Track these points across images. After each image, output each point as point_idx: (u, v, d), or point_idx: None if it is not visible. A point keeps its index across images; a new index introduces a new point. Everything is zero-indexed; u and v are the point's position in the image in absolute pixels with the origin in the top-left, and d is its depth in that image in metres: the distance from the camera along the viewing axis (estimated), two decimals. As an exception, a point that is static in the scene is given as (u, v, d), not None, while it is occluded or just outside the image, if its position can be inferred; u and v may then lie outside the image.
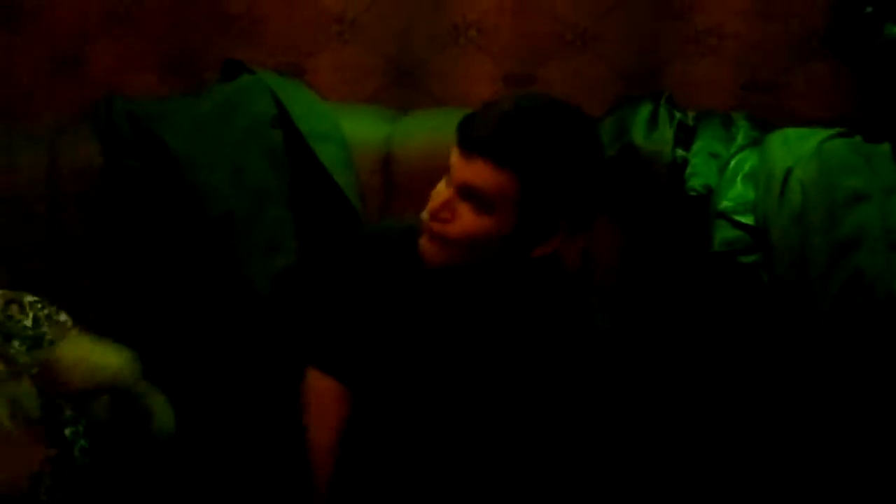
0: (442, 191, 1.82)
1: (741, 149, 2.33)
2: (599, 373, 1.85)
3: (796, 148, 2.25)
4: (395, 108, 2.60)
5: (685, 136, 2.36)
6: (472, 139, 1.78)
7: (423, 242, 1.84)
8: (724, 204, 2.25)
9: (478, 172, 1.76)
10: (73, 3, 2.69)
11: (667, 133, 2.35)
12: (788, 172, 2.21)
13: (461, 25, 2.65)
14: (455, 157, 1.80)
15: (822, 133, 2.29)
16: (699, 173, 2.30)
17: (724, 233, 2.23)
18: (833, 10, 2.47)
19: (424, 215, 1.84)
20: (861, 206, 2.13)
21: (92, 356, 1.87)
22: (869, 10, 2.39)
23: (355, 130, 2.50)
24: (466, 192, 1.78)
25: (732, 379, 2.23)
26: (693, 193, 2.28)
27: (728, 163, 2.31)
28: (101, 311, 2.32)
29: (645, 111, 2.38)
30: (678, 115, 2.39)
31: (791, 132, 2.31)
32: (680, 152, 2.34)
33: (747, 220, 2.22)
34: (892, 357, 2.04)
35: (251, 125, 2.43)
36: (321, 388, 1.98)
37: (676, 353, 2.28)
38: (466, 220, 1.79)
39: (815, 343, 2.11)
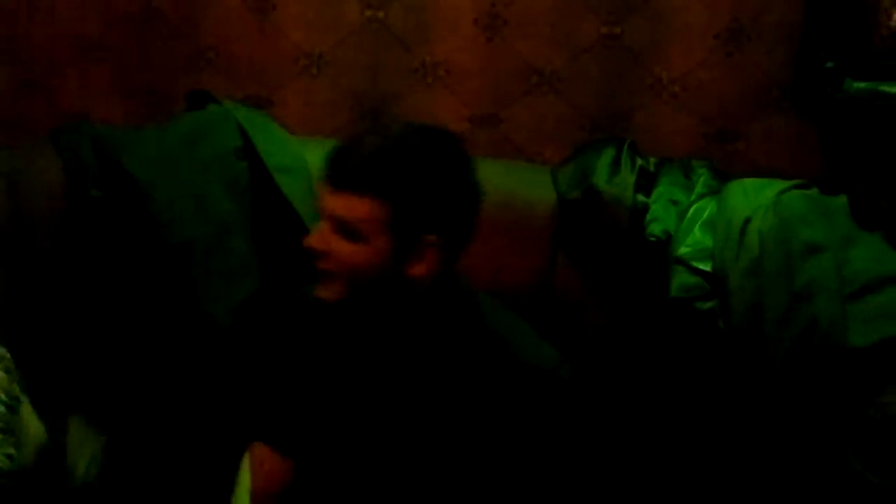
0: (316, 227, 1.87)
1: (700, 196, 2.36)
2: (511, 386, 1.87)
3: (754, 198, 2.28)
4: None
5: (646, 182, 2.39)
6: (332, 175, 1.83)
7: (317, 285, 1.88)
8: (683, 250, 2.28)
9: (344, 204, 1.81)
10: (44, 30, 2.70)
11: (628, 178, 2.37)
12: (746, 222, 2.24)
13: (429, 64, 2.68)
14: (323, 193, 1.85)
15: (779, 184, 2.32)
16: (659, 219, 2.33)
17: (681, 278, 2.25)
18: (794, 64, 2.51)
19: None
20: (816, 257, 2.16)
21: None
22: (830, 64, 2.43)
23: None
24: (338, 225, 1.83)
25: (685, 422, 2.25)
26: (652, 239, 2.31)
27: (687, 210, 2.33)
28: (52, 342, 2.30)
29: (608, 156, 2.41)
30: (640, 161, 2.42)
31: (749, 182, 2.34)
32: (641, 197, 2.36)
33: (705, 266, 2.25)
34: (842, 407, 2.06)
35: (215, 156, 2.43)
36: (263, 456, 2.00)
37: (633, 395, 2.30)
38: (343, 251, 1.83)
39: (768, 390, 2.13)
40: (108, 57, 2.71)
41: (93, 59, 2.71)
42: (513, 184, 2.46)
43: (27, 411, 1.98)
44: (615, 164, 2.40)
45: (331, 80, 2.70)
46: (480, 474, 1.87)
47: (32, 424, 1.98)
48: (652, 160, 2.45)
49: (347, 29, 2.68)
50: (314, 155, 2.51)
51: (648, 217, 2.34)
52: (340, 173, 1.83)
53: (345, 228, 1.82)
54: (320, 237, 1.84)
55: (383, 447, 1.90)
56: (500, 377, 1.86)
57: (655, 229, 2.31)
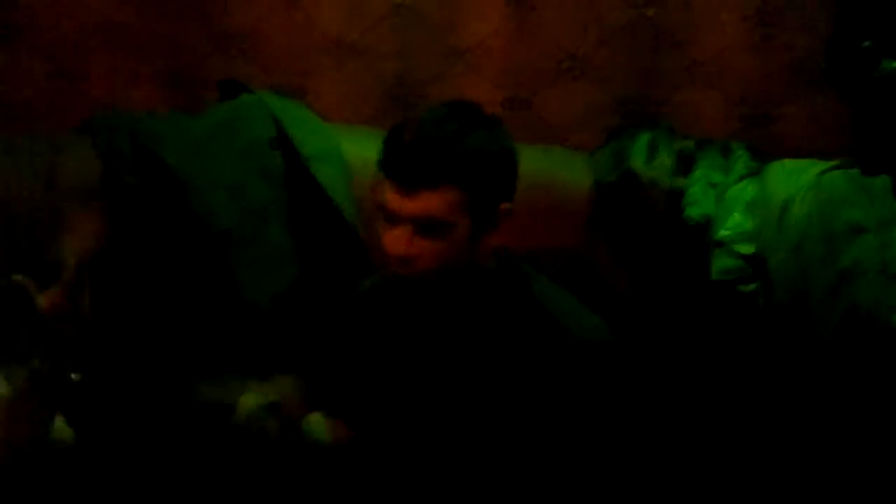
0: (397, 235, 1.85)
1: (740, 178, 2.35)
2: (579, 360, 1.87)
3: (795, 179, 2.27)
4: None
5: (684, 165, 2.38)
6: (405, 177, 1.80)
7: (397, 269, 1.86)
8: (723, 233, 2.27)
9: (424, 204, 1.79)
10: (73, 18, 2.69)
11: (666, 161, 2.36)
12: (787, 203, 2.23)
13: (460, 49, 2.67)
14: (394, 197, 1.81)
15: (820, 165, 2.31)
16: (697, 202, 2.32)
17: (722, 262, 2.24)
18: (831, 44, 2.49)
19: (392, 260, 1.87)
20: (859, 238, 2.15)
21: None
22: (867, 44, 2.41)
23: (355, 151, 2.50)
24: (422, 225, 1.80)
25: (728, 406, 2.24)
26: (691, 222, 2.30)
27: (726, 191, 2.32)
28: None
29: (644, 139, 2.40)
30: (677, 143, 2.41)
31: (790, 163, 2.33)
32: (679, 180, 2.35)
33: (746, 249, 2.24)
34: (888, 387, 2.06)
35: (250, 146, 2.43)
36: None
37: (676, 380, 2.29)
38: (433, 249, 1.81)
39: (813, 372, 2.13)
40: (137, 43, 2.70)
41: (121, 46, 2.70)
42: (549, 168, 2.46)
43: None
44: (652, 147, 2.39)
45: (363, 67, 2.69)
46: (538, 448, 1.86)
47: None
48: (689, 142, 2.44)
49: (378, 15, 2.66)
50: (349, 142, 2.52)
51: (687, 200, 2.33)
52: (410, 176, 1.79)
53: (431, 224, 1.80)
54: (408, 243, 1.80)
55: (442, 422, 1.89)
56: (555, 350, 1.86)
57: (694, 212, 2.30)
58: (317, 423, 2.04)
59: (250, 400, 2.00)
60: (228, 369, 2.30)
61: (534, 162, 2.41)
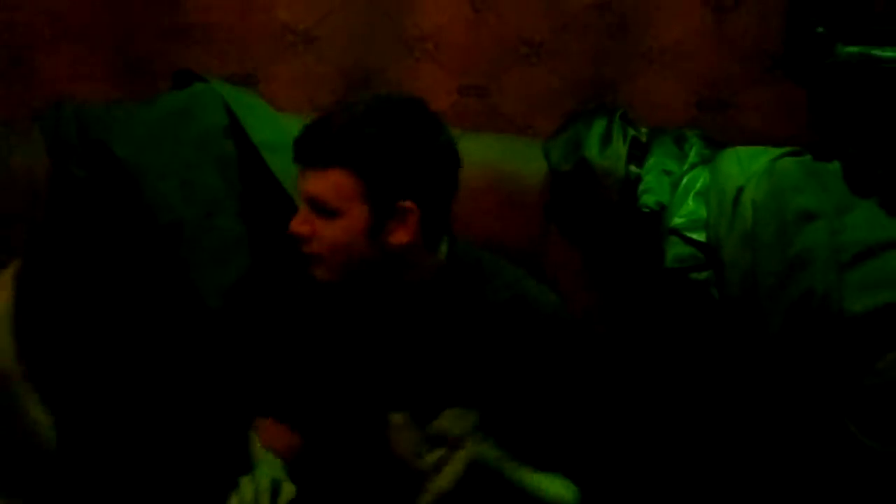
0: (297, 214, 1.88)
1: (693, 166, 2.34)
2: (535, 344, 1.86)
3: (748, 166, 2.26)
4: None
5: (638, 153, 2.37)
6: (299, 154, 1.86)
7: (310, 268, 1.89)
8: (676, 221, 2.26)
9: (315, 182, 1.84)
10: (24, 6, 2.65)
11: (620, 149, 2.35)
12: (740, 191, 2.23)
13: (417, 37, 2.65)
14: (299, 177, 1.87)
15: (773, 152, 2.30)
16: (652, 190, 2.31)
17: (675, 249, 2.24)
18: (785, 30, 2.49)
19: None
20: (811, 225, 2.15)
21: None
22: (820, 30, 2.41)
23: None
24: (314, 205, 1.85)
25: (681, 395, 2.24)
26: (646, 210, 2.29)
27: (680, 180, 2.32)
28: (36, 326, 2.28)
29: (599, 127, 2.39)
30: (631, 131, 2.40)
31: (742, 150, 2.32)
32: (633, 168, 2.34)
33: (699, 236, 2.24)
34: (839, 376, 2.05)
35: (202, 135, 2.40)
36: (271, 430, 1.99)
37: (629, 367, 2.28)
38: (324, 231, 1.85)
39: (764, 361, 2.12)
40: (90, 33, 2.66)
41: (72, 37, 2.67)
42: (503, 157, 2.44)
43: None
44: (607, 136, 2.37)
45: (318, 56, 2.66)
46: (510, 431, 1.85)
47: None
48: (644, 130, 2.43)
49: (333, 3, 2.64)
50: (302, 131, 2.50)
51: (641, 188, 2.32)
52: (306, 151, 1.85)
53: (320, 207, 1.83)
54: (302, 221, 1.87)
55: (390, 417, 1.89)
56: (517, 326, 1.85)
57: (649, 200, 2.29)
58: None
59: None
60: (181, 367, 2.28)
61: (488, 150, 2.42)
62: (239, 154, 2.40)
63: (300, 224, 1.86)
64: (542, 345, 1.85)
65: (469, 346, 1.88)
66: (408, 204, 1.82)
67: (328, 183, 1.81)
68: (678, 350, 2.24)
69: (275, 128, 2.46)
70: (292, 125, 2.46)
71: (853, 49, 2.42)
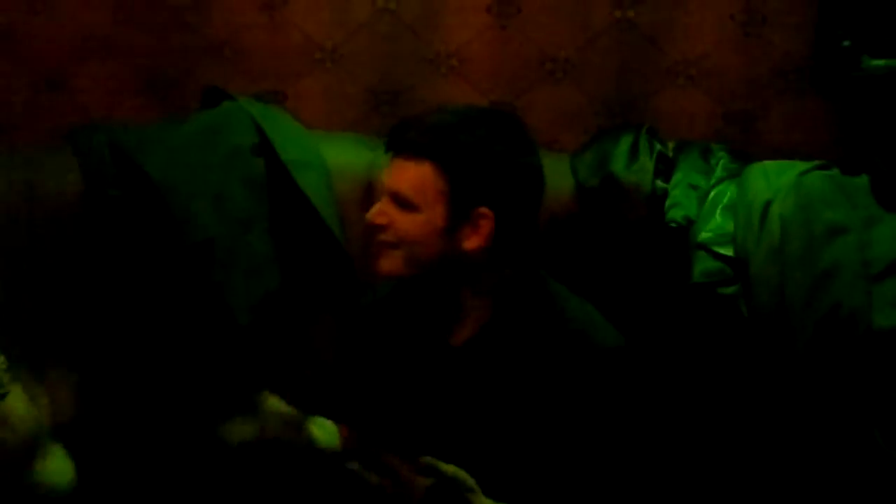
0: (375, 205, 1.90)
1: (720, 181, 2.34)
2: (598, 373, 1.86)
3: (775, 180, 2.27)
4: (378, 136, 2.60)
5: (665, 168, 2.38)
6: (392, 142, 1.89)
7: (371, 261, 1.91)
8: (704, 235, 2.26)
9: (401, 173, 1.86)
10: (56, 27, 2.68)
11: (647, 164, 2.36)
12: (767, 205, 2.23)
13: (443, 54, 2.66)
14: (386, 167, 1.90)
15: (800, 166, 2.30)
16: (679, 204, 2.31)
17: (703, 264, 2.24)
18: (812, 43, 2.49)
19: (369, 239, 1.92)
20: (839, 238, 2.14)
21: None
22: (846, 43, 2.41)
23: (337, 158, 2.50)
24: (395, 197, 1.87)
25: (711, 409, 2.24)
26: (673, 225, 2.29)
27: (707, 194, 2.32)
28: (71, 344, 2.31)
29: (626, 142, 2.40)
30: (658, 146, 2.40)
31: (770, 165, 2.33)
32: (660, 183, 2.35)
33: (727, 251, 2.24)
34: (867, 390, 2.05)
35: (232, 153, 2.42)
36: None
37: (657, 382, 2.28)
38: (401, 221, 1.86)
39: (793, 374, 2.12)
40: (120, 54, 2.70)
41: (103, 56, 2.70)
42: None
43: (15, 398, 1.96)
44: (633, 151, 2.38)
45: (345, 73, 2.68)
46: (563, 463, 1.85)
47: (19, 410, 1.97)
48: (670, 145, 2.44)
49: (360, 20, 2.66)
50: (330, 149, 2.52)
51: (668, 203, 2.32)
52: (401, 140, 1.88)
53: (402, 200, 1.85)
54: (380, 212, 1.88)
55: (457, 440, 1.89)
56: (577, 362, 1.85)
57: (676, 215, 2.30)
58: (324, 427, 2.02)
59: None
60: (213, 381, 2.30)
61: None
62: (268, 172, 2.43)
63: (378, 214, 1.88)
64: (597, 383, 1.85)
65: (518, 375, 1.87)
66: (484, 210, 1.84)
67: (414, 175, 1.84)
68: (707, 365, 2.24)
69: (303, 146, 2.48)
70: (321, 142, 2.51)
71: (880, 62, 2.42)
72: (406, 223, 1.85)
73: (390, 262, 1.88)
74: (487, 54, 2.66)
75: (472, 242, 1.85)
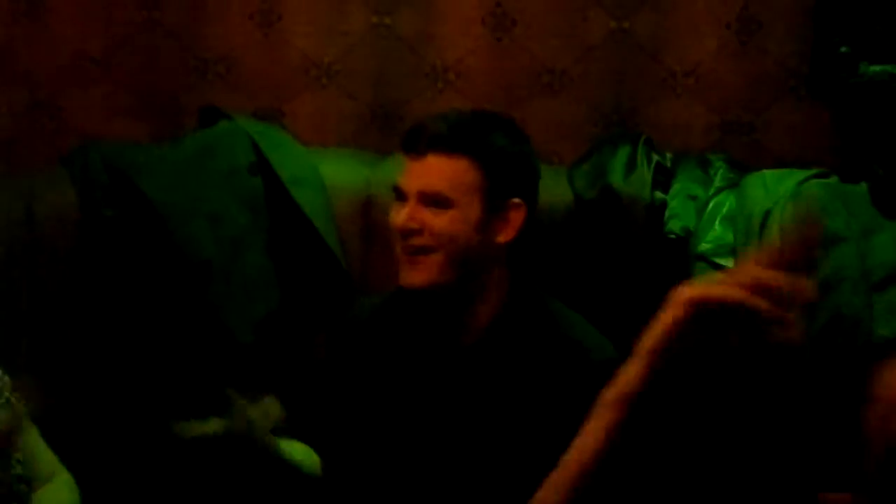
0: (399, 211, 1.83)
1: (719, 191, 2.33)
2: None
3: (774, 190, 2.26)
4: (375, 152, 2.60)
5: (663, 179, 2.37)
6: (419, 141, 1.83)
7: (405, 272, 1.84)
8: (703, 246, 2.25)
9: (432, 171, 1.81)
10: (49, 47, 2.68)
11: (645, 175, 2.35)
12: (767, 214, 2.22)
13: (439, 68, 2.66)
14: (405, 170, 1.84)
15: (799, 174, 2.29)
16: (678, 215, 2.31)
17: (703, 275, 2.23)
18: (809, 51, 2.48)
19: (397, 247, 1.84)
20: (839, 247, 2.14)
21: None
22: (844, 49, 2.40)
23: (334, 175, 2.50)
24: (426, 197, 1.81)
25: (709, 418, 2.22)
26: (672, 236, 2.28)
27: (706, 205, 2.31)
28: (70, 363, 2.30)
29: (623, 154, 2.39)
30: (656, 157, 2.40)
31: (768, 174, 2.32)
32: (658, 194, 2.34)
33: (727, 262, 2.23)
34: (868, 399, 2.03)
35: (230, 172, 2.43)
36: None
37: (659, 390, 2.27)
38: (437, 222, 1.80)
39: (795, 383, 2.11)
40: (115, 73, 2.70)
41: (97, 77, 2.70)
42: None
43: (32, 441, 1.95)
44: (631, 162, 2.37)
45: (341, 89, 2.68)
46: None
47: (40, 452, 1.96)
48: (668, 156, 2.43)
49: (355, 36, 2.66)
50: (327, 166, 2.51)
51: (667, 214, 2.31)
52: (429, 138, 1.82)
53: (433, 197, 1.80)
54: (409, 216, 1.81)
55: (454, 451, 1.87)
56: (572, 372, 1.83)
57: (675, 226, 2.29)
58: (303, 452, 2.03)
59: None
60: (210, 401, 2.29)
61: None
62: (266, 190, 2.42)
63: (409, 219, 1.81)
64: (591, 396, 1.84)
65: (519, 378, 1.86)
66: (517, 201, 1.83)
67: (450, 170, 1.80)
68: (706, 374, 2.22)
69: (301, 163, 2.48)
70: (318, 159, 2.51)
71: (877, 68, 2.41)
72: (442, 222, 1.79)
73: (427, 271, 1.81)
74: (484, 67, 2.65)
75: (505, 235, 1.84)
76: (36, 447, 1.93)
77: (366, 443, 1.92)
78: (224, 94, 2.66)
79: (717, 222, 2.27)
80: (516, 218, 1.84)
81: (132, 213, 2.33)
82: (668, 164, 2.40)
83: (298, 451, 2.11)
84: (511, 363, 1.86)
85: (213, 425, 2.09)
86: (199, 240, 2.34)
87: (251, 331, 2.34)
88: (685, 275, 2.24)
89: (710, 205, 2.30)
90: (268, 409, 2.21)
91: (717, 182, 2.35)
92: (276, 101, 2.69)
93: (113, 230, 2.33)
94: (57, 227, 2.35)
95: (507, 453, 1.83)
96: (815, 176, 2.29)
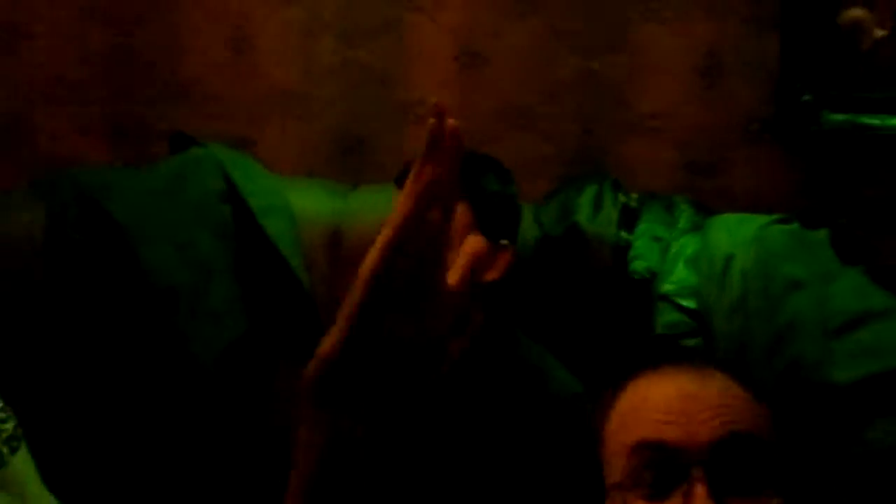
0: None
1: (683, 233, 2.36)
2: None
3: (736, 234, 2.29)
4: (344, 182, 2.62)
5: (628, 219, 2.40)
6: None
7: None
8: (667, 287, 2.28)
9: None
10: (19, 68, 2.68)
11: (611, 215, 2.38)
12: (729, 259, 2.25)
13: (409, 102, 2.68)
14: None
15: (761, 219, 2.32)
16: (642, 256, 2.33)
17: (666, 316, 2.25)
18: (773, 97, 2.53)
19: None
20: (798, 293, 2.17)
21: None
22: (807, 97, 2.45)
23: (303, 204, 2.50)
24: None
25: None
26: (636, 276, 2.31)
27: (670, 246, 2.34)
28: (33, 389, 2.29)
29: (590, 193, 2.42)
30: (622, 197, 2.43)
31: (731, 218, 2.35)
32: (624, 234, 2.37)
33: (689, 303, 2.25)
34: (828, 444, 2.07)
35: (199, 199, 2.43)
36: None
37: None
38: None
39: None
40: (85, 97, 2.71)
41: (68, 100, 2.70)
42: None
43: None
44: (597, 201, 2.40)
45: (313, 119, 2.70)
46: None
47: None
48: (634, 196, 2.46)
49: (326, 67, 2.68)
50: (296, 195, 2.52)
51: (631, 254, 2.34)
52: None
53: None
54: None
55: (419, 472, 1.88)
56: (536, 407, 1.86)
57: (639, 266, 2.32)
58: None
59: None
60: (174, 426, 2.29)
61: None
62: (235, 218, 2.43)
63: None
64: (555, 430, 1.86)
65: (480, 416, 1.88)
66: (505, 242, 1.86)
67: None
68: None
69: (271, 192, 2.49)
70: (287, 188, 2.52)
71: (840, 116, 2.46)
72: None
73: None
74: (453, 103, 2.68)
75: (491, 276, 1.87)
76: None
77: None
78: (196, 121, 2.68)
79: (680, 264, 2.30)
80: (503, 259, 1.86)
81: (99, 237, 2.33)
82: (634, 205, 2.43)
83: None
84: (478, 397, 1.88)
85: None
86: (165, 266, 2.34)
87: (216, 358, 2.33)
88: (648, 314, 2.27)
89: (674, 247, 2.33)
90: None
91: (682, 224, 2.38)
92: (247, 129, 2.71)
93: (79, 254, 2.32)
94: (24, 250, 2.33)
95: (469, 484, 1.85)
96: (777, 221, 2.33)
